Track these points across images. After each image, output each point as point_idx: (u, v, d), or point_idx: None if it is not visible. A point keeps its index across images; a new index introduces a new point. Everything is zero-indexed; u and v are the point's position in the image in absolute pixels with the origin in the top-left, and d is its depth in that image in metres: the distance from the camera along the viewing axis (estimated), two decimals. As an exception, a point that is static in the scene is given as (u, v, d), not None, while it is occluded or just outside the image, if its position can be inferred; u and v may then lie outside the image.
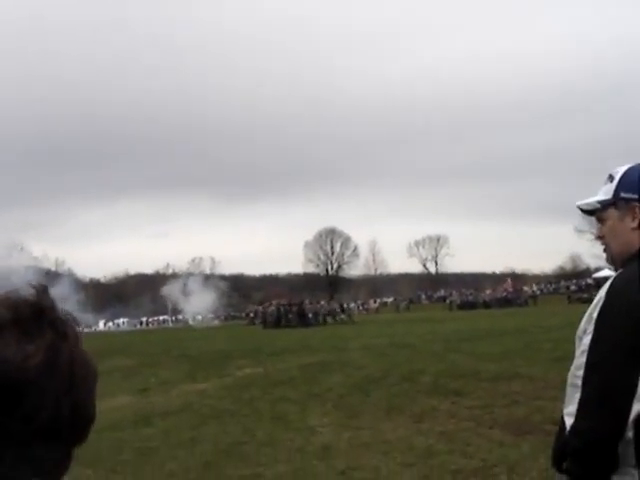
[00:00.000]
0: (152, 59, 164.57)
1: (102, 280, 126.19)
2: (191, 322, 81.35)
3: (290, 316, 48.73)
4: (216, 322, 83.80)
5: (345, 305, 74.13)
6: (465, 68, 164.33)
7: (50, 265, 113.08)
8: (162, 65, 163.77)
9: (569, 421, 2.48)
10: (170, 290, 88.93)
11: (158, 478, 9.48)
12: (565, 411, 2.54)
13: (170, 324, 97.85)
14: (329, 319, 49.56)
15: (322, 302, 55.86)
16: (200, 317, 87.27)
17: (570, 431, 2.46)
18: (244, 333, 40.66)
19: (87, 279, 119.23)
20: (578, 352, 2.51)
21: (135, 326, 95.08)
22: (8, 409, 1.01)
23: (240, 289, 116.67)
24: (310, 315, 48.33)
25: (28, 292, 1.11)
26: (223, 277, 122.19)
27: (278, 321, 48.57)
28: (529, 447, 8.83)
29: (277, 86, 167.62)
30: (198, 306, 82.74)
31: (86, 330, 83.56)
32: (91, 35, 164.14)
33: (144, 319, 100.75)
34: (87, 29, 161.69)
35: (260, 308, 56.56)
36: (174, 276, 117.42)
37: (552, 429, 7.72)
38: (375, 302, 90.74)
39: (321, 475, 8.74)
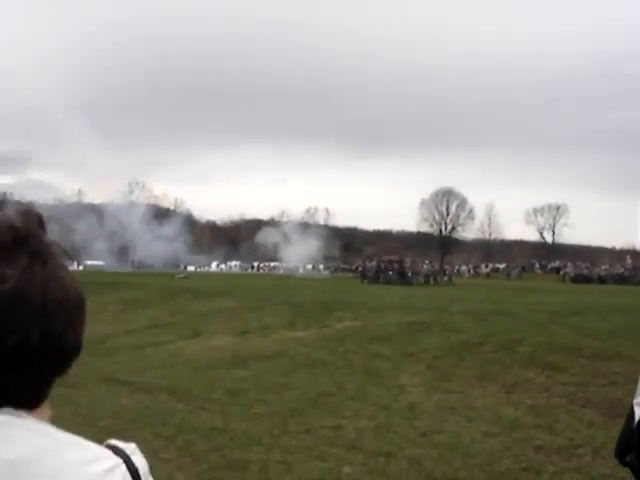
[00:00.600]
0: (282, 12, 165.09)
1: (218, 223, 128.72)
2: (301, 271, 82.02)
3: (390, 273, 48.34)
4: (326, 273, 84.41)
5: (449, 268, 73.44)
6: (596, 37, 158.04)
7: (169, 204, 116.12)
8: (291, 18, 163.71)
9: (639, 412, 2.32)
10: (265, 237, 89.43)
11: (244, 419, 9.64)
12: (635, 401, 2.37)
13: (281, 271, 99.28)
14: (429, 280, 48.91)
15: (426, 262, 55.10)
16: (310, 267, 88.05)
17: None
18: (346, 286, 40.77)
19: (204, 221, 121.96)
20: None
21: (246, 270, 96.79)
22: None
23: (352, 242, 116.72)
24: (409, 274, 47.75)
25: (16, 218, 1.09)
26: (336, 229, 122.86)
27: (377, 277, 48.33)
28: (619, 431, 8.53)
29: (406, 40, 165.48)
30: (297, 255, 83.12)
31: (198, 270, 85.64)
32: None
33: (255, 264, 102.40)
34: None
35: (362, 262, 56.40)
36: (284, 224, 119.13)
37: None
38: (486, 267, 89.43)
39: (402, 434, 8.71)
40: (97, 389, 12.18)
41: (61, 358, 1.11)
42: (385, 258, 54.24)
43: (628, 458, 2.31)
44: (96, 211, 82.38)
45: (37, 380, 1.09)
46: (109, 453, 1.11)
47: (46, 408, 1.16)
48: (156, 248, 78.60)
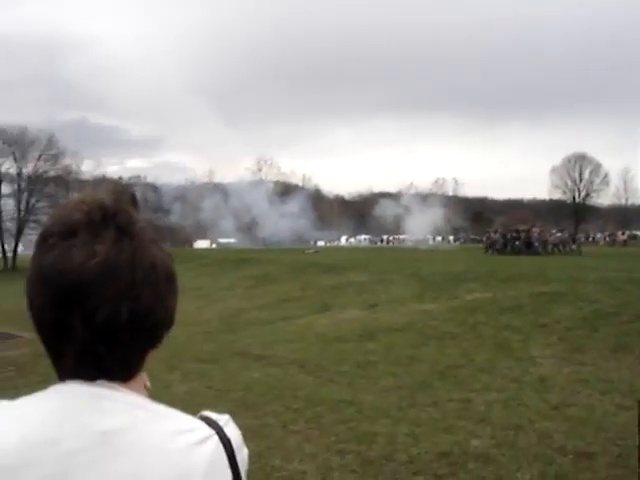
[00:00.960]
0: None
1: (347, 197, 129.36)
2: (431, 242, 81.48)
3: (517, 243, 47.28)
4: (455, 244, 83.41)
5: (582, 236, 71.14)
6: None
7: (297, 180, 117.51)
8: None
9: None
10: (384, 209, 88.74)
11: (372, 392, 9.70)
12: None
13: (409, 243, 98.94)
14: (557, 249, 47.51)
15: (554, 231, 53.46)
16: (440, 238, 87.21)
17: None
18: (469, 257, 40.25)
19: (332, 195, 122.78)
20: None
21: (375, 243, 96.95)
22: (69, 307, 1.05)
23: (482, 212, 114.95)
24: (536, 243, 46.52)
25: (107, 196, 1.12)
26: (466, 199, 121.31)
27: (504, 247, 47.41)
28: None
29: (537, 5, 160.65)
30: (421, 227, 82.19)
31: (328, 245, 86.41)
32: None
33: (385, 237, 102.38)
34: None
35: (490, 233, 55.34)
36: (417, 195, 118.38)
37: None
38: (623, 234, 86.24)
39: (532, 407, 8.56)
40: (230, 363, 12.51)
41: (151, 331, 1.14)
42: (512, 227, 53.17)
43: None
44: (224, 190, 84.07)
45: (129, 353, 1.13)
46: (202, 424, 1.15)
47: (140, 380, 1.20)
48: (282, 225, 79.66)
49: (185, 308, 21.16)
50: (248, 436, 1.22)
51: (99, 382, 1.10)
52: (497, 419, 8.10)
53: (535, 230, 50.78)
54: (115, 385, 1.12)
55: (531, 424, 7.84)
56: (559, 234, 51.45)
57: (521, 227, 52.25)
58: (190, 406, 1.21)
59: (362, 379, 10.57)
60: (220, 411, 1.22)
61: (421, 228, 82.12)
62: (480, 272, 22.95)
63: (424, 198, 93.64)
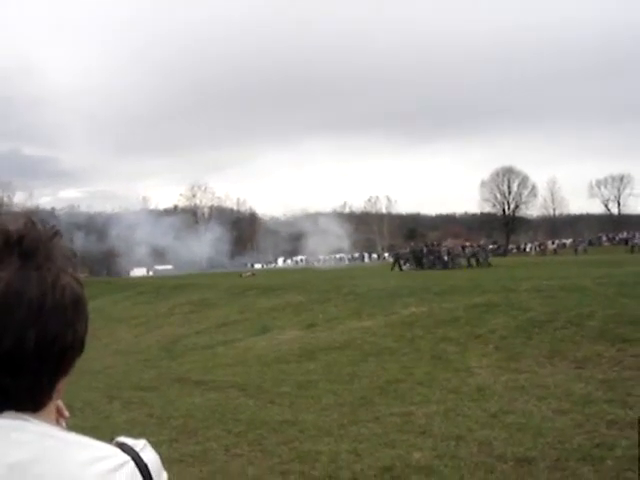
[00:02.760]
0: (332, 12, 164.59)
1: (281, 218, 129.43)
2: (367, 260, 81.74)
3: (431, 257, 47.49)
4: (377, 261, 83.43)
5: (513, 246, 72.03)
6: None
7: (232, 204, 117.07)
8: (340, 16, 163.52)
9: None
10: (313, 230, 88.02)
11: (314, 411, 9.72)
12: None
13: (346, 262, 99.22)
14: (469, 262, 47.87)
15: (467, 244, 54.13)
16: (376, 255, 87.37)
17: None
18: (413, 273, 40.63)
19: (267, 218, 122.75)
20: None
21: (312, 264, 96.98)
22: None
23: (416, 228, 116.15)
24: (446, 258, 46.93)
25: (12, 222, 1.11)
26: (399, 216, 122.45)
27: (418, 262, 47.56)
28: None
29: (459, 23, 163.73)
30: (324, 246, 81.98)
31: (265, 267, 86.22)
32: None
33: (321, 257, 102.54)
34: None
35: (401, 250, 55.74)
36: (351, 215, 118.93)
37: None
38: (553, 243, 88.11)
39: (472, 417, 8.68)
40: (170, 390, 12.39)
41: (60, 358, 1.11)
42: (421, 243, 54.27)
43: None
44: (157, 217, 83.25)
45: (37, 382, 1.10)
46: (117, 451, 1.13)
47: (53, 409, 1.17)
48: (217, 249, 79.14)
49: (123, 337, 21.11)
50: (191, 462, 1.24)
51: (6, 413, 1.07)
52: (438, 430, 8.19)
53: (445, 244, 51.53)
54: (24, 416, 1.09)
55: (471, 433, 7.94)
56: (470, 248, 51.99)
57: (431, 242, 53.05)
58: (131, 435, 1.21)
59: (303, 399, 10.58)
60: (161, 439, 1.23)
61: (320, 247, 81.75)
62: (415, 287, 23.16)
63: (327, 217, 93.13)
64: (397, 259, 50.49)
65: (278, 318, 21.07)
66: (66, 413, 1.25)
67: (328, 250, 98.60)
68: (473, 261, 47.69)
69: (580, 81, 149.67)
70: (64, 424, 1.21)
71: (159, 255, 75.44)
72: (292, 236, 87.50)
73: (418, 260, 47.97)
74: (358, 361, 13.33)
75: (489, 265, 45.57)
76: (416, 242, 62.95)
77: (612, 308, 14.53)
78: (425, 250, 49.68)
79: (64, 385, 1.17)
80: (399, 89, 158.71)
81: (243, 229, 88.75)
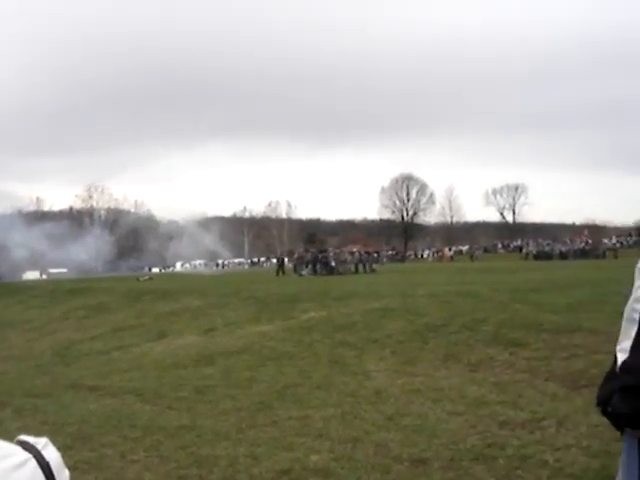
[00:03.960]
0: (233, 10, 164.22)
1: (180, 222, 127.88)
2: (265, 265, 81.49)
3: (318, 265, 47.77)
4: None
5: (410, 252, 73.17)
6: (548, 14, 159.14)
7: (130, 206, 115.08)
8: (243, 15, 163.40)
9: (622, 357, 2.33)
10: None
11: (211, 416, 9.64)
12: (618, 347, 2.38)
13: (246, 267, 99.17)
14: (356, 268, 48.54)
15: (354, 250, 54.94)
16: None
17: (621, 367, 2.30)
18: (300, 279, 40.86)
19: (166, 221, 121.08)
20: (637, 284, 2.34)
21: (211, 268, 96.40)
22: None
23: (316, 233, 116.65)
24: (333, 264, 47.48)
25: None
26: (300, 221, 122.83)
27: (307, 267, 47.83)
28: (582, 401, 8.67)
29: (360, 33, 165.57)
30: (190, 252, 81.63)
31: (163, 271, 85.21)
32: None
33: (220, 261, 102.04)
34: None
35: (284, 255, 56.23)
36: (251, 219, 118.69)
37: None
38: (450, 250, 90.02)
39: (368, 419, 8.77)
40: (64, 396, 12.09)
41: None
42: (309, 248, 55.01)
43: (609, 408, 2.31)
44: (52, 218, 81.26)
45: None
46: (17, 449, 1.11)
47: None
48: (115, 252, 77.74)
49: (14, 342, 20.53)
50: (86, 469, 1.22)
51: None
52: (335, 433, 8.24)
53: (330, 250, 52.18)
54: None
55: (368, 436, 8.02)
56: (357, 254, 52.75)
57: (316, 249, 53.63)
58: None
59: (201, 404, 10.48)
60: (56, 446, 1.20)
61: (186, 253, 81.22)
62: (315, 292, 23.31)
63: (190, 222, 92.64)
64: (281, 264, 50.66)
65: (176, 323, 20.85)
66: None
67: (228, 255, 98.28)
68: (360, 267, 48.32)
69: (480, 91, 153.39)
70: None
71: (38, 259, 73.21)
72: (190, 240, 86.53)
73: (306, 265, 48.18)
74: (256, 366, 13.31)
75: (373, 271, 46.26)
76: (314, 247, 63.16)
77: (505, 313, 14.96)
78: (310, 255, 49.96)
79: None
80: (302, 93, 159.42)
81: (140, 232, 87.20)
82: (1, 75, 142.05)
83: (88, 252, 77.94)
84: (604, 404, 2.36)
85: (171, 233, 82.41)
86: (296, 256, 52.84)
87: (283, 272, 48.03)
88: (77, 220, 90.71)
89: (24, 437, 1.17)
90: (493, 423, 8.19)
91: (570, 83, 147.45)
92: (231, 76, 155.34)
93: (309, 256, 49.95)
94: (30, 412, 10.82)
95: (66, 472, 1.18)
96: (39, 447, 1.15)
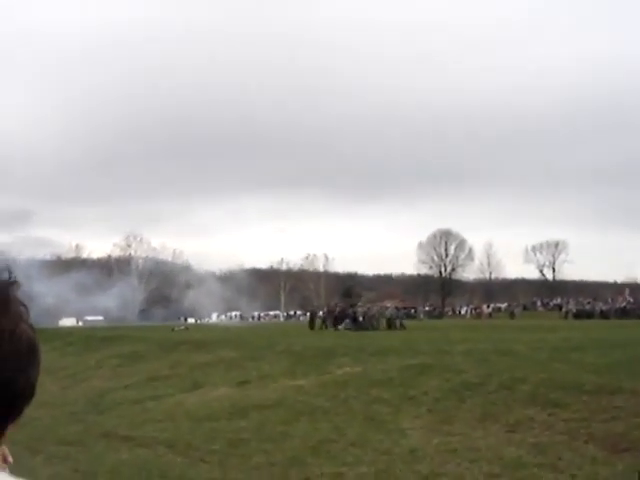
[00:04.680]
0: (274, 56, 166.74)
1: (217, 273, 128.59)
2: (302, 319, 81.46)
3: (347, 320, 47.35)
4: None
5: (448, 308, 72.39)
6: (596, 69, 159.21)
7: (167, 256, 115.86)
8: (286, 63, 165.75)
9: None
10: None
11: (243, 470, 9.54)
12: None
13: (281, 319, 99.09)
14: (389, 324, 48.08)
15: (388, 305, 54.62)
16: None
17: None
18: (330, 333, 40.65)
19: (202, 271, 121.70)
20: None
21: (247, 320, 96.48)
22: None
23: (353, 286, 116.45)
24: (361, 319, 47.09)
25: None
26: (337, 275, 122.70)
27: (337, 323, 47.42)
28: (623, 465, 8.45)
29: (402, 85, 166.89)
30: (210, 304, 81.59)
31: (198, 322, 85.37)
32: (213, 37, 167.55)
33: (256, 313, 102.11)
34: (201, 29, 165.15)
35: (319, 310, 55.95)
36: (288, 272, 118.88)
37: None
38: (488, 307, 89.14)
39: (403, 478, 8.62)
40: (96, 445, 12.07)
41: (11, 403, 1.10)
42: (341, 304, 54.70)
43: None
44: (90, 266, 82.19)
45: None
46: None
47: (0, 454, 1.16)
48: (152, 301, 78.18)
49: (49, 388, 20.52)
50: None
51: None
52: (369, 492, 8.09)
53: (360, 305, 51.77)
54: None
55: (402, 496, 7.87)
56: (388, 310, 52.41)
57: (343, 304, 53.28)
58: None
59: (233, 457, 10.39)
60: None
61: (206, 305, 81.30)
62: (350, 346, 23.14)
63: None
64: (313, 317, 50.39)
65: (210, 374, 20.76)
66: (10, 459, 1.22)
67: (262, 307, 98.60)
68: (392, 323, 47.90)
69: (518, 146, 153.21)
70: (7, 469, 1.18)
71: (75, 306, 73.85)
72: (227, 292, 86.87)
73: (335, 320, 47.86)
74: (290, 420, 13.17)
75: (403, 328, 45.81)
76: (351, 302, 62.97)
77: (544, 372, 14.67)
78: (338, 310, 49.68)
79: (11, 431, 1.15)
80: (339, 147, 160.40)
81: (177, 282, 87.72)
82: (47, 125, 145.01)
83: (125, 301, 78.64)
84: None
85: (208, 284, 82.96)
86: (325, 310, 52.58)
87: (314, 326, 47.83)
88: (115, 268, 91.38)
89: None
90: (531, 486, 7.99)
91: (604, 139, 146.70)
92: (267, 129, 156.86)
93: (337, 311, 49.71)
94: (62, 460, 10.80)
95: None
96: None
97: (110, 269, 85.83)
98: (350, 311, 48.65)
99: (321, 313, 54.93)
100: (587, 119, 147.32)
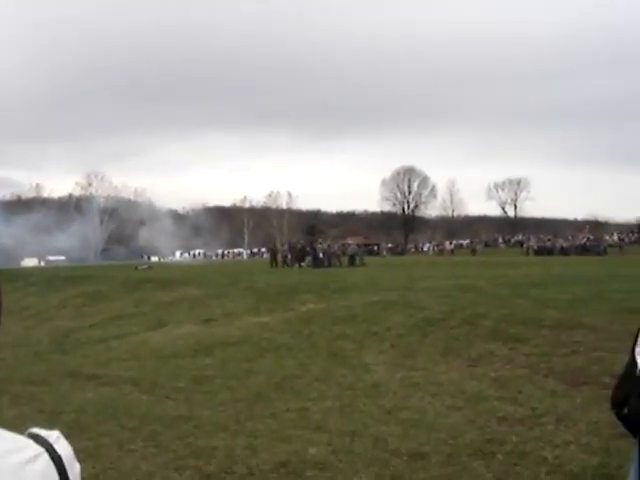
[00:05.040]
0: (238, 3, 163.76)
1: (180, 211, 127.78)
2: (265, 256, 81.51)
3: (308, 258, 47.50)
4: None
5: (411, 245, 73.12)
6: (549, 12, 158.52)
7: (129, 195, 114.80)
8: (246, 9, 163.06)
9: None
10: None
11: (209, 406, 9.61)
12: (638, 350, 2.33)
13: (245, 257, 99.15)
14: (350, 261, 48.50)
15: (350, 242, 55.07)
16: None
17: None
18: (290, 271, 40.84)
19: (165, 209, 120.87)
20: None
21: (211, 258, 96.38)
22: None
23: (316, 224, 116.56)
24: (321, 256, 47.30)
25: None
26: (300, 212, 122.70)
27: (298, 260, 47.59)
28: (582, 398, 8.65)
29: (362, 22, 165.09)
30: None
31: (161, 260, 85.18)
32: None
33: (220, 251, 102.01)
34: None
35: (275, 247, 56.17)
36: (251, 209, 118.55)
37: (609, 382, 7.54)
38: (450, 244, 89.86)
39: (367, 413, 8.74)
40: (61, 384, 12.06)
41: None
42: (300, 241, 55.13)
43: (626, 409, 2.26)
44: (51, 206, 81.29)
45: None
46: (30, 442, 1.09)
47: None
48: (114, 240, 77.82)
49: (12, 329, 20.45)
50: (83, 458, 1.18)
51: None
52: (333, 426, 8.21)
53: (320, 242, 52.06)
54: None
55: (366, 429, 7.99)
56: (352, 247, 52.82)
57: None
58: (21, 431, 1.14)
59: (199, 394, 10.45)
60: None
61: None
62: (314, 283, 23.28)
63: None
64: (274, 255, 50.45)
65: (174, 312, 20.80)
66: None
67: (226, 245, 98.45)
68: (353, 260, 48.24)
69: (482, 85, 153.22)
70: None
71: (36, 246, 73.25)
72: (190, 230, 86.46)
73: (298, 257, 47.96)
74: (255, 357, 13.27)
75: (363, 264, 46.19)
76: (313, 239, 63.19)
77: (505, 308, 14.91)
78: (299, 247, 49.82)
79: None
80: (303, 86, 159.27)
81: (139, 220, 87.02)
82: (3, 63, 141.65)
83: (87, 240, 78.08)
84: (619, 407, 2.31)
85: (170, 222, 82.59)
86: (285, 248, 52.65)
87: (276, 264, 47.89)
88: (76, 207, 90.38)
89: (36, 430, 1.15)
90: (492, 419, 8.16)
91: (572, 79, 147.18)
92: (232, 69, 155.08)
93: (298, 248, 49.80)
94: (27, 400, 10.78)
95: (77, 466, 1.16)
96: (51, 440, 1.13)
97: (71, 208, 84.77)
98: (310, 248, 48.71)
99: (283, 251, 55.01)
100: (555, 57, 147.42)
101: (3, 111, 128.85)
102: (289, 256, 49.62)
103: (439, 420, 8.23)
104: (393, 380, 10.56)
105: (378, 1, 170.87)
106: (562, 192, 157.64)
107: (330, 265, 45.43)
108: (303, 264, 46.02)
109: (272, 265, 47.46)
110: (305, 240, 56.37)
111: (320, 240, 55.91)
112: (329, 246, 51.80)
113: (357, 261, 47.93)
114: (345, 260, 48.41)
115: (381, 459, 6.92)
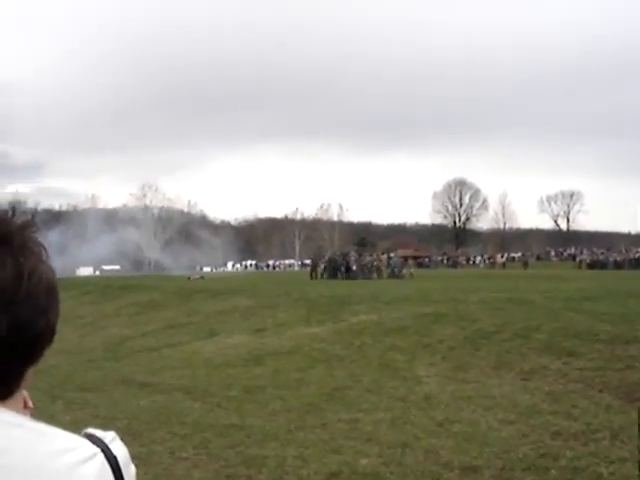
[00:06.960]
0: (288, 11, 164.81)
1: (232, 223, 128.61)
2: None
3: (342, 269, 47.19)
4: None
5: (462, 257, 72.35)
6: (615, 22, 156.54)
7: (182, 206, 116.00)
8: (298, 17, 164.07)
9: None
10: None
11: (260, 416, 9.65)
12: None
13: (296, 268, 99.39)
14: (392, 273, 48.08)
15: (392, 255, 54.56)
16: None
17: None
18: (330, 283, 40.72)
19: (218, 221, 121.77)
20: None
21: (262, 269, 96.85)
22: None
23: (366, 237, 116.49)
24: (354, 268, 46.93)
25: None
26: (351, 224, 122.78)
27: (334, 272, 47.30)
28: (637, 414, 8.49)
29: (416, 37, 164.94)
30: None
31: (213, 271, 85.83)
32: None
33: (271, 262, 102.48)
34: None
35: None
36: (302, 221, 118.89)
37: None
38: (502, 257, 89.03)
39: (418, 425, 8.70)
40: (114, 391, 12.22)
41: (31, 346, 1.08)
42: (339, 252, 54.92)
43: None
44: (107, 216, 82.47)
45: (7, 369, 1.07)
46: (86, 442, 1.10)
47: (20, 398, 1.14)
48: (167, 251, 78.66)
49: (67, 336, 20.75)
50: (135, 464, 1.20)
51: None
52: (384, 438, 8.19)
53: (352, 254, 51.69)
54: None
55: (418, 441, 7.95)
56: (394, 259, 52.40)
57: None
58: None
59: (250, 403, 10.51)
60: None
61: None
62: (365, 295, 23.23)
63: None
64: (315, 267, 50.35)
65: (226, 322, 20.93)
66: (30, 403, 1.21)
67: (277, 256, 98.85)
68: (395, 272, 47.95)
69: (535, 97, 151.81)
70: (28, 415, 1.17)
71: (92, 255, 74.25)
72: (242, 241, 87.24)
73: (334, 270, 47.79)
74: (306, 367, 13.30)
75: (402, 277, 45.87)
76: (364, 251, 63.05)
77: (558, 321, 14.71)
78: (339, 260, 49.63)
79: (31, 374, 1.13)
80: (354, 97, 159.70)
81: (192, 232, 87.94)
82: (62, 78, 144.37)
83: (141, 250, 79.02)
84: None
85: (223, 233, 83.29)
86: (326, 259, 52.55)
87: (316, 276, 47.88)
88: (131, 218, 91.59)
89: (91, 430, 1.16)
90: (545, 433, 8.06)
91: (623, 90, 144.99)
92: (281, 81, 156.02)
93: (336, 260, 49.70)
94: (81, 406, 10.95)
95: (132, 468, 1.18)
96: (107, 441, 1.14)
97: (126, 219, 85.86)
98: (343, 261, 48.55)
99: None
100: (606, 70, 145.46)
101: (61, 122, 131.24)
102: (327, 268, 49.55)
103: (491, 434, 8.16)
104: (445, 393, 10.49)
105: (428, 12, 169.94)
106: (616, 205, 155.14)
107: (367, 277, 45.25)
108: (339, 277, 45.93)
109: (312, 277, 47.47)
110: (340, 253, 56.00)
111: (352, 252, 55.52)
112: (360, 257, 51.45)
113: (397, 272, 47.72)
114: (385, 272, 48.21)
115: (432, 472, 6.88)
